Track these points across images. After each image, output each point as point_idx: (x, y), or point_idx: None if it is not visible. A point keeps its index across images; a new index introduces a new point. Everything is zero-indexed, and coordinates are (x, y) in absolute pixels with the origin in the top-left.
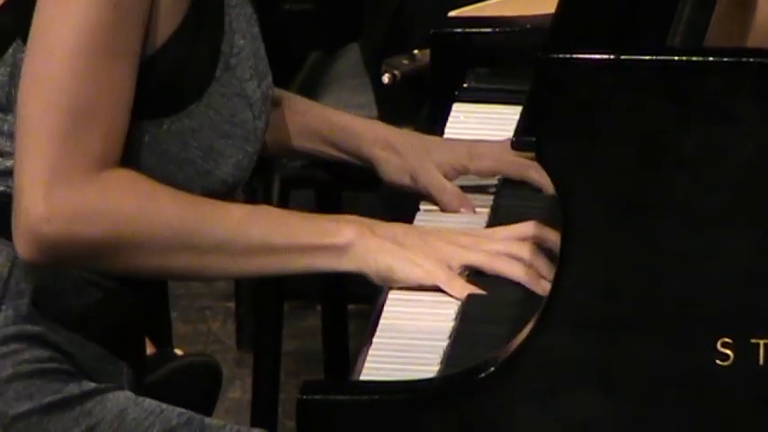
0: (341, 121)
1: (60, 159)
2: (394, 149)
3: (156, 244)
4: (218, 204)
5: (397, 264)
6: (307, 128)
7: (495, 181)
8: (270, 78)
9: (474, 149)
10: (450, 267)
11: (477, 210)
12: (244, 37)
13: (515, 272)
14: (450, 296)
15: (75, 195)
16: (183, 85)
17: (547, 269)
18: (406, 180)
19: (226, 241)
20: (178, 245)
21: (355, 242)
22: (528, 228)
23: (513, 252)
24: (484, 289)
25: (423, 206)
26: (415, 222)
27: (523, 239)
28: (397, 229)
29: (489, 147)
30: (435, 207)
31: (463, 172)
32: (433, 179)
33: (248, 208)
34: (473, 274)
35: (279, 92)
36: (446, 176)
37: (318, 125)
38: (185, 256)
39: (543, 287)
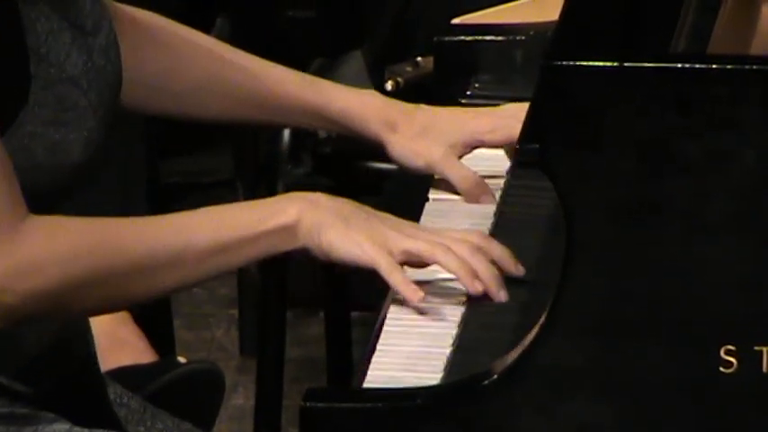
0: (344, 103)
1: None
2: (402, 131)
3: (107, 276)
4: (157, 220)
5: (338, 241)
6: (309, 107)
7: (502, 171)
8: (106, 24)
9: (490, 123)
10: (390, 253)
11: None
12: (47, 16)
13: (450, 263)
14: (449, 300)
15: (13, 253)
16: (3, 99)
17: (486, 270)
18: (420, 166)
19: (176, 254)
20: (129, 271)
21: (301, 219)
22: (474, 234)
23: (454, 247)
24: (484, 303)
25: (432, 195)
26: (427, 207)
27: (467, 243)
28: (344, 204)
29: (501, 117)
30: (444, 196)
31: (478, 146)
32: (450, 166)
33: (191, 214)
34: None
35: (275, 69)
36: (461, 153)
37: (323, 105)
38: (139, 280)
39: (476, 287)
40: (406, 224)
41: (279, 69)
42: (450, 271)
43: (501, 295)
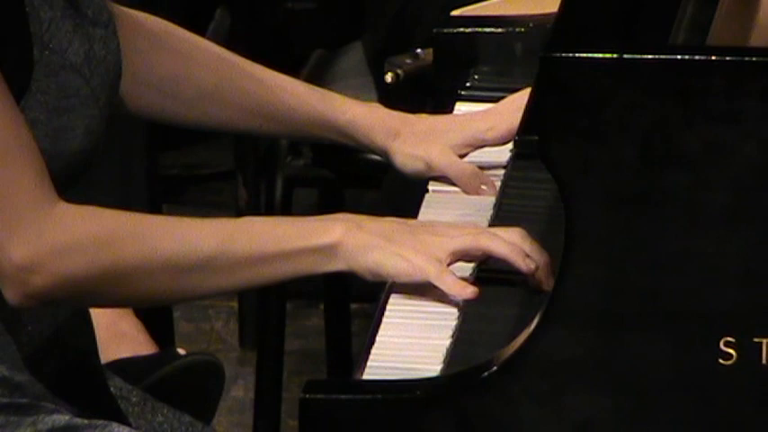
0: (351, 115)
1: (7, 208)
2: (404, 138)
3: (136, 271)
4: (194, 222)
5: (386, 259)
6: (316, 117)
7: (503, 161)
8: (105, 15)
9: (488, 120)
10: (439, 260)
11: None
12: (50, 4)
13: (499, 247)
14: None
15: (44, 235)
16: (7, 85)
17: (539, 253)
18: (420, 168)
19: (210, 258)
20: (159, 269)
21: (344, 240)
22: (514, 232)
23: (500, 233)
24: (486, 288)
25: (431, 186)
26: (426, 198)
27: (515, 230)
28: (386, 224)
29: (499, 112)
30: (443, 187)
31: (480, 145)
32: (447, 162)
33: (231, 221)
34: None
35: (282, 79)
36: (463, 154)
37: (329, 117)
38: (168, 277)
39: (529, 265)
40: (450, 226)
41: (287, 80)
42: (500, 255)
43: (550, 282)
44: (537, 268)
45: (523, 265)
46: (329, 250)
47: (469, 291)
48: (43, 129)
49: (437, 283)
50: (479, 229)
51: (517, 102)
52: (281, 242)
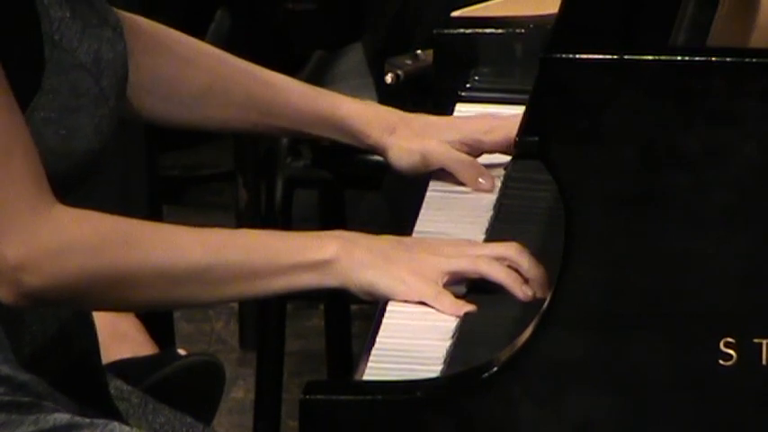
0: (346, 110)
1: (4, 208)
2: (400, 133)
3: (128, 277)
4: (189, 231)
5: (381, 280)
6: (312, 114)
7: (504, 161)
8: (112, 17)
9: (487, 123)
10: (435, 281)
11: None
12: (60, 4)
13: (497, 273)
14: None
15: (39, 235)
16: (18, 84)
17: (534, 268)
18: (416, 161)
19: (203, 269)
20: (151, 277)
21: (339, 257)
22: (510, 247)
23: (497, 253)
24: (484, 296)
25: (432, 186)
26: (426, 199)
27: (503, 257)
28: (383, 242)
29: (499, 119)
30: (444, 187)
31: (477, 147)
32: (445, 153)
33: (226, 233)
34: (472, 291)
35: (278, 77)
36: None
37: (325, 112)
38: (160, 287)
39: (524, 291)
40: (445, 244)
41: (283, 77)
42: (497, 281)
43: (545, 294)
44: (534, 295)
45: (520, 293)
46: (323, 267)
47: (470, 308)
48: (55, 127)
49: (434, 305)
50: (476, 246)
51: (518, 116)
52: (276, 257)
